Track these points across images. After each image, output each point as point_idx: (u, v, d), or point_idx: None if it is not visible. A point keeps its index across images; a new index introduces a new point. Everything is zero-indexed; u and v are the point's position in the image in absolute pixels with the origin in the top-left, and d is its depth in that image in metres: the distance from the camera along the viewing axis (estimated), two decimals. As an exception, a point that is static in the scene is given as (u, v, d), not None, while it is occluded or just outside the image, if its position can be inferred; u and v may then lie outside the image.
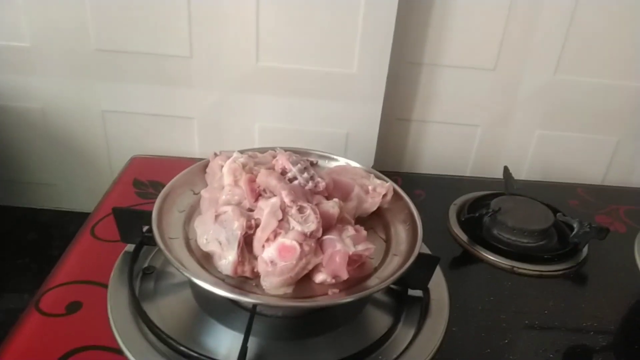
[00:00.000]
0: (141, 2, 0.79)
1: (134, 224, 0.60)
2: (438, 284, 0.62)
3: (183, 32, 0.80)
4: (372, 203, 0.61)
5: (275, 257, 0.48)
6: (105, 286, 0.58)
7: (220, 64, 0.83)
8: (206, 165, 0.62)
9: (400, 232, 0.59)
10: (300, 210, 0.51)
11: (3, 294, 0.74)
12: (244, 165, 0.57)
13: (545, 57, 0.88)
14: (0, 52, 0.83)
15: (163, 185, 0.59)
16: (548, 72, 0.89)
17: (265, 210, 0.51)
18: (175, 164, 0.85)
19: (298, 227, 0.50)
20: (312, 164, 0.63)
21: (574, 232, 0.72)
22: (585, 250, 0.73)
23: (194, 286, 0.58)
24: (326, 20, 0.79)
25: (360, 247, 0.51)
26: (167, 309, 0.55)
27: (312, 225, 0.50)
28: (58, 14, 0.80)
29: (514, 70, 0.89)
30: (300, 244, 0.48)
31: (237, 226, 0.50)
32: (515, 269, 0.68)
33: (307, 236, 0.49)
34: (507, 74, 0.89)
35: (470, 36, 0.85)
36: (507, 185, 0.83)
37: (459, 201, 0.82)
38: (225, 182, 0.56)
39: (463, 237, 0.73)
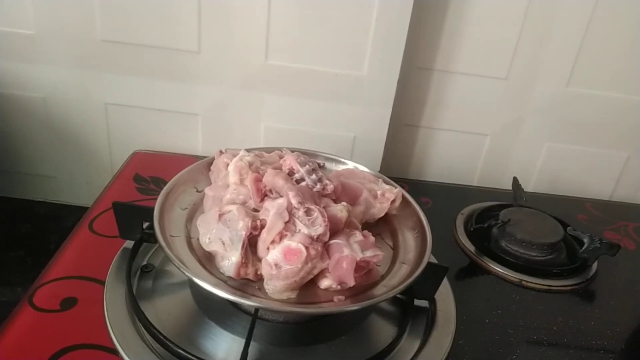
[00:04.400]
0: (151, -6, 0.77)
1: (134, 219, 0.58)
2: (445, 294, 0.61)
3: (192, 27, 0.79)
4: (380, 209, 0.59)
5: (280, 260, 0.46)
6: (102, 283, 0.56)
7: (228, 61, 0.82)
8: (211, 163, 0.60)
9: (408, 240, 0.57)
10: (308, 212, 0.49)
11: (-5, 286, 0.72)
12: (250, 164, 0.55)
13: (557, 68, 0.86)
14: (4, 38, 0.81)
15: (164, 182, 0.57)
16: (560, 84, 0.88)
17: (272, 211, 0.49)
18: (177, 161, 0.84)
19: (305, 230, 0.48)
20: (320, 166, 0.62)
21: (584, 247, 0.71)
22: (594, 266, 0.71)
23: (194, 286, 0.56)
24: (338, 20, 0.78)
25: (368, 254, 0.49)
26: (165, 309, 0.53)
27: (320, 228, 0.48)
28: (65, 2, 0.78)
29: (525, 80, 0.87)
30: (307, 248, 0.47)
31: (241, 226, 0.48)
32: (523, 282, 0.67)
33: (313, 240, 0.48)
34: (519, 84, 0.88)
35: (483, 44, 0.83)
36: (516, 196, 0.81)
37: (466, 211, 0.80)
38: (230, 181, 0.54)
39: (471, 247, 0.72)
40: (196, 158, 0.84)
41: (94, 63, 0.83)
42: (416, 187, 0.87)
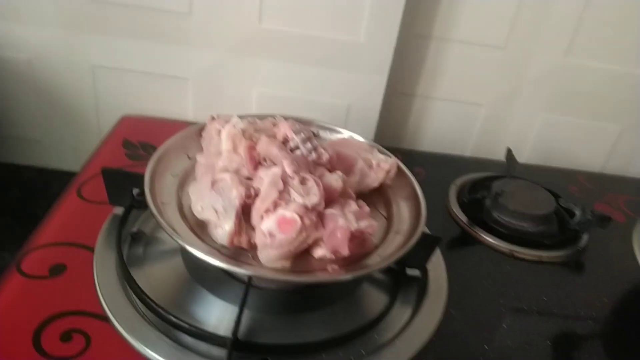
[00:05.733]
0: (139, -49, 0.74)
1: (124, 186, 0.57)
2: (436, 264, 0.61)
3: (182, -15, 0.76)
4: (374, 179, 0.58)
5: (275, 230, 0.46)
6: (91, 249, 0.56)
7: (220, 23, 0.79)
8: (202, 129, 0.58)
9: (402, 210, 0.57)
10: (302, 181, 0.49)
11: (-18, 252, 0.71)
12: (243, 132, 0.54)
13: (556, 39, 0.85)
14: (-16, -4, 0.78)
15: (154, 148, 0.56)
16: (558, 55, 0.86)
17: (266, 179, 0.48)
18: (167, 126, 0.82)
19: (299, 199, 0.47)
20: (314, 135, 0.61)
21: (576, 219, 0.71)
22: (585, 238, 0.72)
23: (186, 254, 0.56)
24: (335, -16, 0.75)
25: (363, 224, 0.48)
26: (156, 277, 0.53)
27: (314, 198, 0.48)
28: (49, -42, 0.75)
29: (523, 50, 0.86)
30: (301, 217, 0.46)
31: (235, 195, 0.47)
32: (514, 253, 0.67)
33: (308, 209, 0.47)
34: (517, 54, 0.86)
35: (482, 12, 0.81)
36: (509, 167, 0.81)
37: (459, 181, 0.80)
38: (223, 148, 0.53)
39: (463, 218, 0.72)
40: (187, 123, 0.83)
41: (81, 24, 0.80)
42: (410, 157, 0.86)
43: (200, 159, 0.54)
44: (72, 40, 0.81)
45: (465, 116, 0.93)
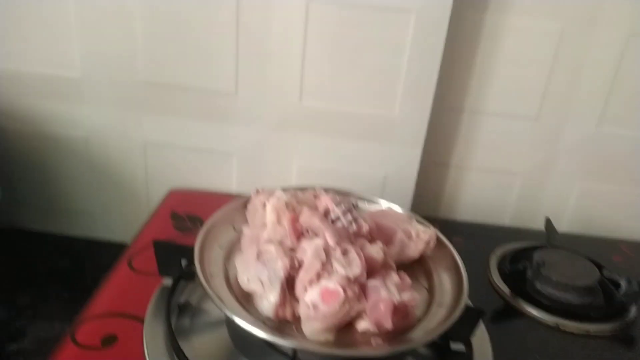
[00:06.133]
0: (191, 37, 0.81)
1: (173, 258, 0.60)
2: (481, 338, 0.60)
3: (230, 69, 0.82)
4: (415, 250, 0.59)
5: (318, 301, 0.47)
6: (141, 320, 0.57)
7: (264, 102, 0.84)
8: (247, 202, 0.61)
9: (444, 282, 0.57)
10: (344, 252, 0.50)
11: (35, 321, 0.74)
12: (287, 204, 0.56)
13: (588, 109, 0.87)
14: (50, 80, 0.86)
15: (200, 220, 0.58)
16: (591, 124, 0.88)
17: (309, 251, 0.50)
18: (212, 199, 0.86)
19: (342, 271, 0.48)
20: (353, 206, 0.63)
21: (622, 291, 0.69)
22: (633, 310, 0.69)
23: (231, 326, 0.57)
24: (371, 63, 0.80)
25: (405, 296, 0.49)
26: (203, 348, 0.54)
27: (357, 269, 0.49)
28: (109, 46, 0.83)
29: (556, 120, 0.88)
30: (344, 289, 0.47)
31: (280, 266, 0.49)
32: (560, 326, 0.65)
33: (350, 281, 0.48)
34: (550, 124, 0.88)
35: (513, 84, 0.84)
36: (549, 237, 0.80)
37: (499, 251, 0.79)
38: (267, 220, 0.55)
39: (505, 289, 0.71)
40: (230, 196, 0.86)
41: (134, 103, 0.86)
42: (447, 226, 0.86)
43: (246, 230, 0.56)
44: (126, 119, 0.88)
45: (501, 185, 0.93)
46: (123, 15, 0.80)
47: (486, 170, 0.92)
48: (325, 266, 0.49)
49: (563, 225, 0.95)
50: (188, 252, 0.55)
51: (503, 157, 0.91)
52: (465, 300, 0.52)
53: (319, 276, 0.48)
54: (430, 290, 0.57)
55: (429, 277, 0.59)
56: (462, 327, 0.55)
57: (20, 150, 0.91)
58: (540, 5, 0.78)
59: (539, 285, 0.71)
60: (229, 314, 0.45)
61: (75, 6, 0.80)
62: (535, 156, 0.91)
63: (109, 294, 0.63)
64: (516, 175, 0.93)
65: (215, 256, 0.55)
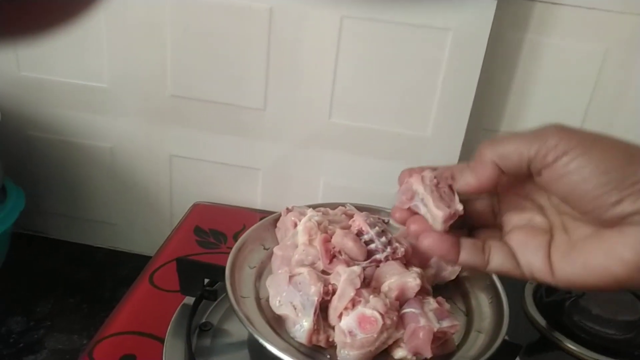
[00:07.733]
0: (222, 53, 0.80)
1: (196, 276, 0.58)
2: (517, 371, 0.57)
3: (259, 85, 0.81)
4: (452, 272, 0.56)
5: (355, 328, 0.45)
6: (160, 340, 0.55)
7: (293, 118, 0.83)
8: (277, 220, 0.59)
9: (482, 305, 0.54)
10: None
11: (52, 333, 0.72)
12: (318, 224, 0.54)
13: (629, 135, 0.83)
14: (80, 91, 0.85)
15: (223, 235, 0.57)
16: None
17: (343, 276, 0.48)
18: (237, 214, 0.84)
19: (379, 297, 0.46)
20: (384, 223, 0.60)
21: (668, 328, 0.65)
22: (679, 349, 0.65)
23: (254, 349, 0.55)
24: (404, 81, 0.78)
25: (445, 324, 0.46)
26: (225, 371, 0.52)
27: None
28: (139, 59, 0.82)
29: (594, 144, 0.84)
30: (382, 316, 0.45)
31: (314, 291, 0.47)
32: (600, 363, 0.62)
33: (388, 307, 0.46)
34: (587, 148, 0.85)
35: (552, 106, 0.82)
36: (587, 267, 0.77)
37: (533, 280, 0.76)
38: (299, 241, 0.53)
39: (541, 321, 0.67)
40: (254, 211, 0.84)
41: (161, 116, 0.85)
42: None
43: (277, 251, 0.54)
44: (152, 131, 0.87)
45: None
46: (154, 28, 0.79)
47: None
48: (360, 292, 0.47)
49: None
50: (212, 271, 0.53)
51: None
52: (505, 331, 0.49)
53: (354, 303, 0.46)
54: (469, 314, 0.54)
55: (466, 299, 0.56)
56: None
57: (46, 158, 0.91)
58: (583, 26, 0.75)
59: (577, 318, 0.68)
60: (261, 340, 0.43)
61: (106, 18, 0.80)
62: (570, 182, 0.87)
63: (129, 310, 0.61)
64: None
65: (246, 277, 0.53)
